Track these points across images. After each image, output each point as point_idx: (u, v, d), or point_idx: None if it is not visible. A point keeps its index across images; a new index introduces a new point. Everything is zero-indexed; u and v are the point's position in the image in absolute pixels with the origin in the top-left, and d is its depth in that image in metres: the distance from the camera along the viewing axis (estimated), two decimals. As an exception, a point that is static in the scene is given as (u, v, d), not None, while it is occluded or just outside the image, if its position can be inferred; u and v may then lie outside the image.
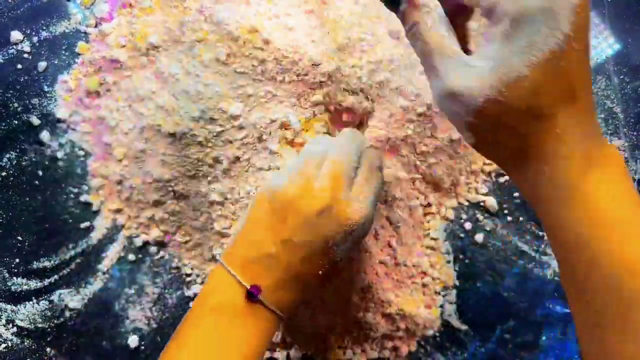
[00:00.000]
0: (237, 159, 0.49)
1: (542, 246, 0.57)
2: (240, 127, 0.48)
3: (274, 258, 0.41)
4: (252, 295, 0.40)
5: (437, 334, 0.57)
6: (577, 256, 0.31)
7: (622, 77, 0.56)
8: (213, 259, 0.55)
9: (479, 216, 0.57)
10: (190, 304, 0.57)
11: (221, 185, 0.51)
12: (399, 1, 0.33)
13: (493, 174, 0.58)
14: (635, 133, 0.56)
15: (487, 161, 0.57)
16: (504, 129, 0.31)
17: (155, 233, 0.55)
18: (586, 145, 0.30)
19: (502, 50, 0.29)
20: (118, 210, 0.55)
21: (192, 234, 0.55)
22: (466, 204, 0.57)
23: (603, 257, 0.29)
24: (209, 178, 0.51)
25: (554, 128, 0.30)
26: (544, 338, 0.57)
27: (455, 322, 0.57)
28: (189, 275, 0.56)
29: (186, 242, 0.56)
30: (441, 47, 0.32)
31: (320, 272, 0.41)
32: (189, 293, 0.56)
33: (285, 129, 0.49)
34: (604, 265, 0.29)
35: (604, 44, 0.57)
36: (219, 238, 0.53)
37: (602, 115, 0.56)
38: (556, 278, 0.57)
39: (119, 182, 0.54)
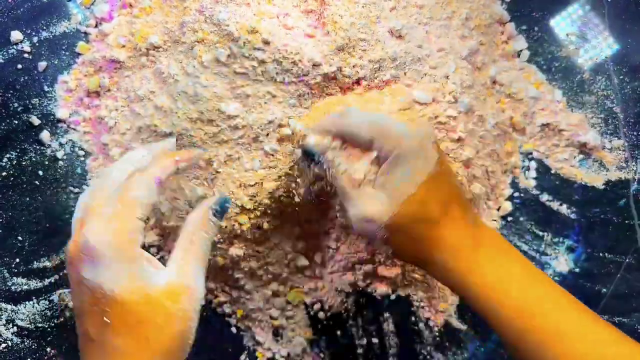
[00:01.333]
0: (229, 157, 0.49)
1: (542, 246, 0.57)
2: (237, 128, 0.48)
3: None
4: None
5: (437, 334, 0.57)
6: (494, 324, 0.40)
7: (621, 77, 0.57)
8: None
9: (479, 216, 0.57)
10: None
11: (202, 189, 0.51)
12: (313, 157, 0.44)
13: (493, 174, 0.58)
14: (635, 133, 0.56)
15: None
16: (407, 236, 0.41)
17: (151, 237, 0.55)
18: (469, 232, 0.41)
19: (393, 179, 0.40)
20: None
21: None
22: (466, 204, 0.57)
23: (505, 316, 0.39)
24: (198, 181, 0.51)
25: (441, 228, 0.40)
26: (543, 338, 0.57)
27: (455, 322, 0.57)
28: None
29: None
30: (353, 186, 0.42)
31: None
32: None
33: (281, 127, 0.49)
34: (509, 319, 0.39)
35: (603, 44, 0.57)
36: None
37: (602, 116, 0.56)
38: (556, 278, 0.57)
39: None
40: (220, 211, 0.41)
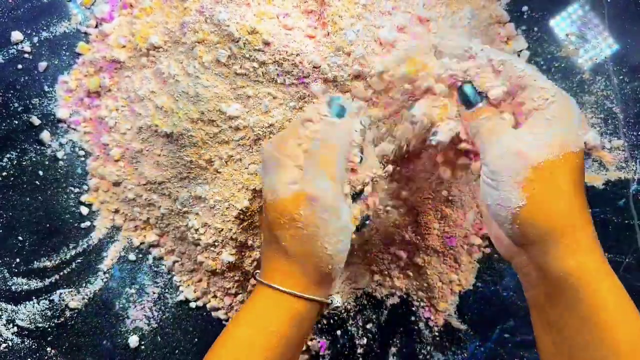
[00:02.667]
0: (230, 157, 0.49)
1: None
2: (238, 129, 0.48)
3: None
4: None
5: (437, 334, 0.57)
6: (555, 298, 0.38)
7: (621, 77, 0.57)
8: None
9: (479, 216, 0.57)
10: (191, 304, 0.57)
11: (202, 189, 0.51)
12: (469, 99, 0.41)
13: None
14: (634, 133, 0.56)
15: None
16: (546, 191, 0.37)
17: (151, 237, 0.55)
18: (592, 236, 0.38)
19: (552, 127, 0.38)
20: (116, 211, 0.56)
21: (175, 242, 0.56)
22: (466, 204, 0.57)
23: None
24: (199, 180, 0.51)
25: (576, 214, 0.37)
26: (543, 338, 0.57)
27: (455, 322, 0.57)
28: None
29: (173, 251, 0.56)
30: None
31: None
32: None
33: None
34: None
35: (603, 44, 0.57)
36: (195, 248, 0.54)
37: (602, 115, 0.56)
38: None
39: (116, 183, 0.54)
40: (334, 110, 0.42)
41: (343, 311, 0.58)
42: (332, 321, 0.58)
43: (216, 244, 0.52)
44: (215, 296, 0.56)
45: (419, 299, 0.57)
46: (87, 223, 0.55)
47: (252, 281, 0.55)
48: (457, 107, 0.42)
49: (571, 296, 0.37)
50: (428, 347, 0.57)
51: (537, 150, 0.37)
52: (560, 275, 0.37)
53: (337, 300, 0.43)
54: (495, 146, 0.38)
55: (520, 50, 0.58)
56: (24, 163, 0.54)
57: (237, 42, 0.46)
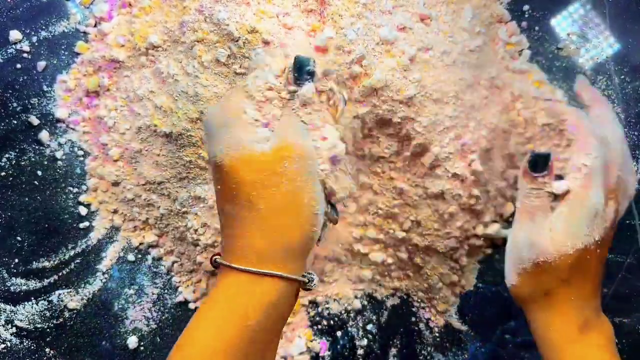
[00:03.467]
0: None
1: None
2: None
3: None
4: (215, 264, 0.38)
5: (438, 335, 0.57)
6: None
7: (622, 77, 0.56)
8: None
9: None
10: (190, 305, 0.56)
11: (202, 189, 0.51)
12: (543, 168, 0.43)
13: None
14: (635, 133, 0.56)
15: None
16: (545, 284, 0.41)
17: (150, 237, 0.55)
18: (583, 313, 0.41)
19: (577, 218, 0.41)
20: (115, 212, 0.55)
21: (174, 242, 0.56)
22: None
23: None
24: (198, 180, 0.51)
25: (567, 294, 0.41)
26: (544, 338, 0.57)
27: (456, 323, 0.57)
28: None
29: (172, 251, 0.56)
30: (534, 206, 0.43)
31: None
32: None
33: None
34: None
35: (604, 44, 0.57)
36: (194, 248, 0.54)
37: (603, 115, 0.56)
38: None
39: (115, 184, 0.54)
40: (300, 72, 0.38)
41: (343, 312, 0.58)
42: (332, 322, 0.58)
43: (215, 244, 0.52)
44: None
45: (420, 300, 0.57)
46: (86, 223, 0.55)
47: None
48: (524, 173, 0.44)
49: None
50: (429, 348, 0.57)
51: (550, 246, 0.41)
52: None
53: (316, 279, 0.38)
54: (519, 233, 0.43)
55: (522, 50, 0.58)
56: (22, 163, 0.54)
57: (237, 41, 0.46)
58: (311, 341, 0.57)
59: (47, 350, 0.53)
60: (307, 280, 0.37)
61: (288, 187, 0.35)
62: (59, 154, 0.54)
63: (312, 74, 0.38)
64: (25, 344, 0.53)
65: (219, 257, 0.37)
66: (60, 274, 0.54)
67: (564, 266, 0.40)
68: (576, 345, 0.40)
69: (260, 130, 0.37)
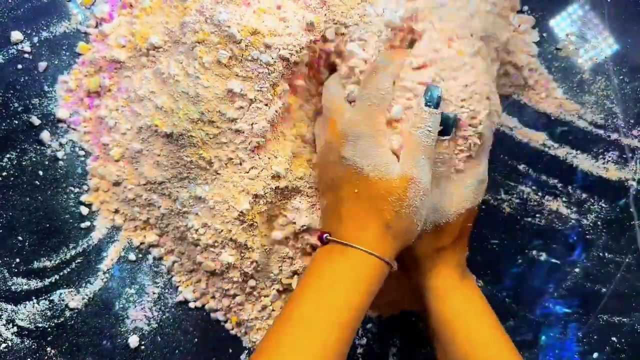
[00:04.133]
0: (230, 160, 0.49)
1: (542, 246, 0.57)
2: (238, 131, 0.48)
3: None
4: (321, 240, 0.47)
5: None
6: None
7: (621, 77, 0.57)
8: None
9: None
10: (190, 304, 0.57)
11: (202, 189, 0.51)
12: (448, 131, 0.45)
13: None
14: (635, 133, 0.56)
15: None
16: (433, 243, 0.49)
17: (151, 237, 0.55)
18: (461, 264, 0.50)
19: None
20: (116, 211, 0.56)
21: (175, 242, 0.56)
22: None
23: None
24: (199, 181, 0.51)
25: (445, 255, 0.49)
26: (543, 338, 0.57)
27: (455, 322, 0.57)
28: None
29: (172, 251, 0.56)
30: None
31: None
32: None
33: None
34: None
35: (603, 44, 0.57)
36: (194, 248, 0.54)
37: (602, 115, 0.56)
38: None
39: (116, 183, 0.54)
40: (433, 100, 0.44)
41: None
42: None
43: (216, 244, 0.52)
44: (213, 297, 0.56)
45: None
46: (87, 223, 0.55)
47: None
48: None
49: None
50: (428, 347, 0.57)
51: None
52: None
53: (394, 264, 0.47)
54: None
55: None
56: (23, 163, 0.54)
57: (239, 43, 0.46)
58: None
59: (48, 349, 0.54)
60: (395, 268, 0.46)
61: (405, 211, 0.44)
62: (60, 154, 0.54)
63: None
64: (26, 343, 0.53)
65: (327, 235, 0.47)
66: (61, 273, 0.54)
67: (457, 225, 0.48)
68: (457, 290, 0.49)
69: (390, 156, 0.45)
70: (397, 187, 0.44)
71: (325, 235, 0.47)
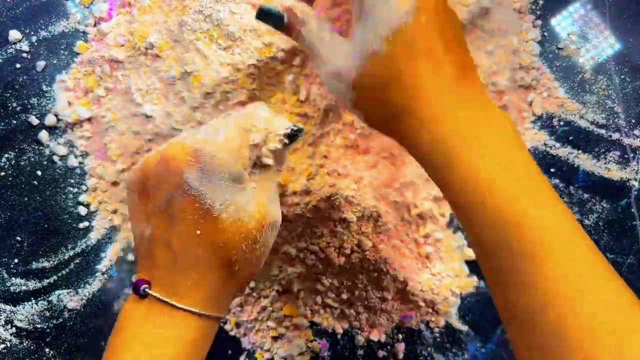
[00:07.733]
0: None
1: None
2: None
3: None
4: (136, 290, 0.36)
5: (438, 335, 0.57)
6: (469, 216, 0.32)
7: (623, 76, 0.56)
8: None
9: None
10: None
11: None
12: (280, 22, 0.37)
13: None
14: (636, 133, 0.56)
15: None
16: (380, 100, 0.33)
17: None
18: (464, 106, 0.32)
19: (360, 29, 0.33)
20: (114, 212, 0.55)
21: None
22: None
23: (490, 216, 0.30)
24: None
25: (423, 92, 0.32)
26: (544, 339, 0.57)
27: (456, 323, 0.57)
28: None
29: None
30: (321, 39, 0.36)
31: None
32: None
33: None
34: (493, 224, 0.30)
35: (604, 44, 0.57)
36: None
37: (604, 115, 0.56)
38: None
39: (114, 183, 0.54)
40: (289, 139, 0.38)
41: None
42: (332, 322, 0.58)
43: None
44: None
45: (420, 300, 0.57)
46: (86, 223, 0.55)
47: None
48: None
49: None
50: (429, 349, 0.57)
51: (348, 67, 0.34)
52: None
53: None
54: (319, 68, 0.36)
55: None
56: (22, 163, 0.54)
57: (237, 41, 0.46)
58: (311, 341, 0.57)
59: (47, 350, 0.53)
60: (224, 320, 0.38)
61: (258, 252, 0.37)
62: (58, 154, 0.54)
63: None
64: (25, 344, 0.53)
65: (145, 287, 0.36)
66: (59, 274, 0.54)
67: (411, 30, 0.32)
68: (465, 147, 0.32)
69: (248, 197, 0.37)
70: (253, 230, 0.36)
71: (143, 286, 0.36)
